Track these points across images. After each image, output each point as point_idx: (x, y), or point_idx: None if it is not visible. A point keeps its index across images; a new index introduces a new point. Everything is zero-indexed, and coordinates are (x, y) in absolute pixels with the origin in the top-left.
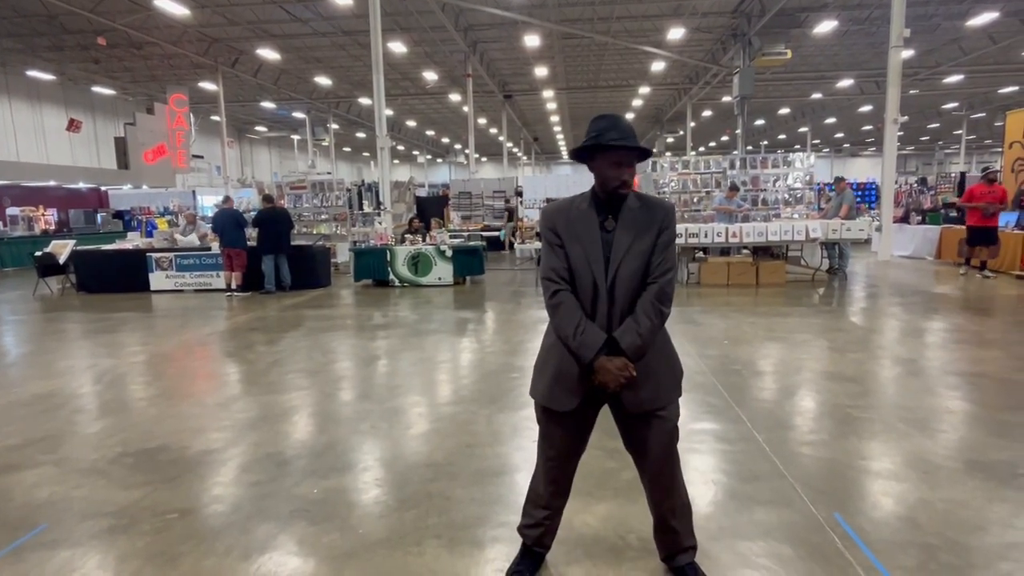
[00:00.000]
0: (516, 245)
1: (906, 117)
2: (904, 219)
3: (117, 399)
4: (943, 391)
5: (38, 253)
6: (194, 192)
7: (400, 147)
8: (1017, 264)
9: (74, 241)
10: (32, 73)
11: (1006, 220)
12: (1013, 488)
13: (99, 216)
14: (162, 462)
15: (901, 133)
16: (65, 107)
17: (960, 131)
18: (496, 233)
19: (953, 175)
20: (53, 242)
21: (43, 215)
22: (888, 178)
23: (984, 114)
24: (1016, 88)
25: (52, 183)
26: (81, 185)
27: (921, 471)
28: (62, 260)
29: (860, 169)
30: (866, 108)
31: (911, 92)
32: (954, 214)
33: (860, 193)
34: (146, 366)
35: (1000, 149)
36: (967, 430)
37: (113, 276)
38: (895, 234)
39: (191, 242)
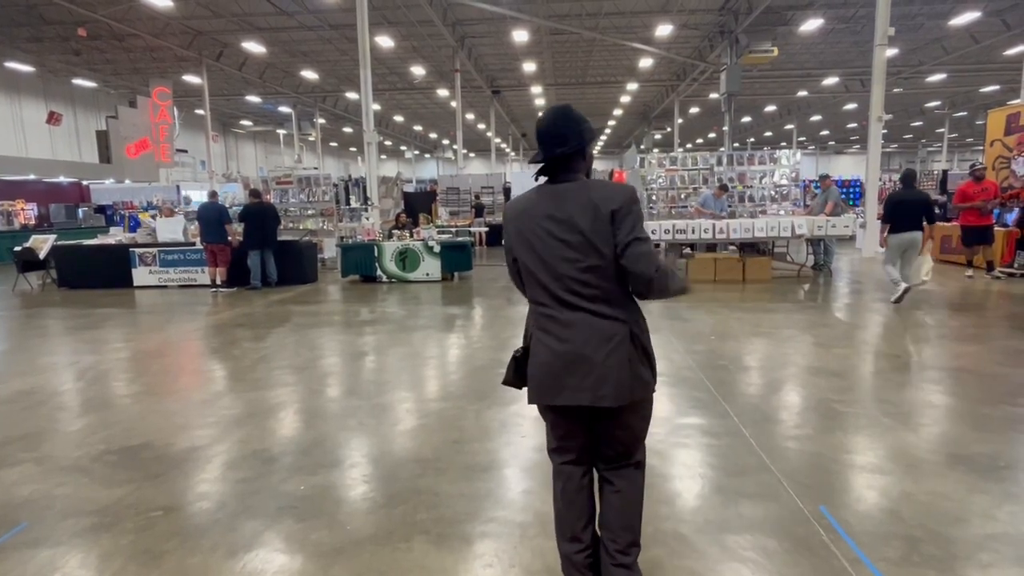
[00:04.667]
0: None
1: (890, 115)
2: None
3: (100, 396)
4: (926, 385)
5: (17, 248)
6: (178, 187)
7: (387, 142)
8: (999, 261)
9: (54, 236)
10: (10, 65)
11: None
12: (994, 480)
13: (80, 211)
14: (146, 459)
15: (885, 131)
16: (45, 100)
17: (943, 129)
18: (482, 229)
19: (936, 172)
20: (33, 237)
21: (22, 209)
22: (872, 175)
23: (966, 112)
24: (997, 87)
25: (32, 177)
26: (62, 179)
27: (904, 464)
28: (42, 255)
29: (845, 166)
30: (851, 106)
31: (895, 90)
32: (937, 211)
33: (845, 190)
34: (129, 362)
35: (981, 147)
36: (949, 424)
37: (95, 272)
38: (879, 231)
39: (174, 229)
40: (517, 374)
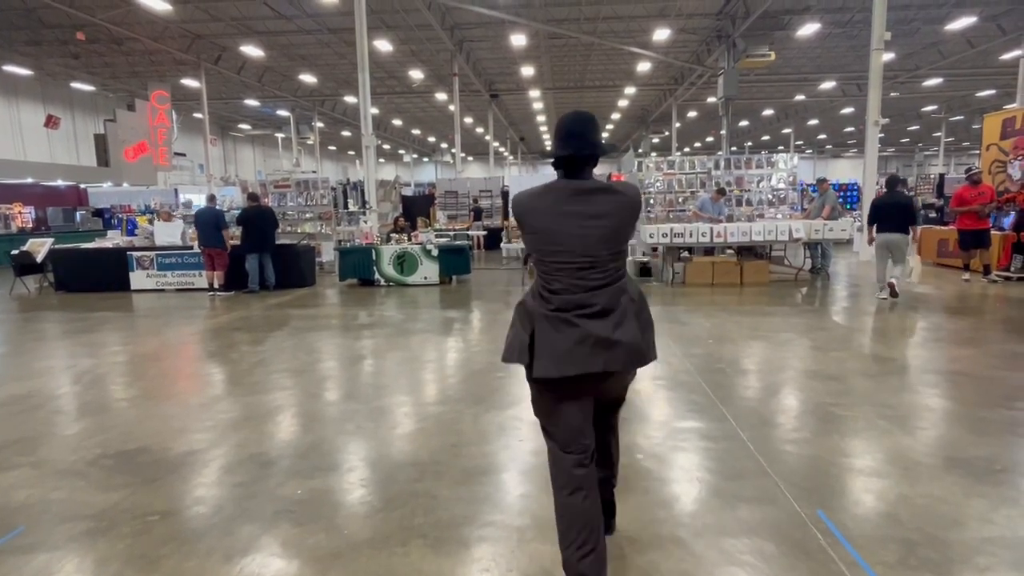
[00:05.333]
0: (503, 244)
1: (887, 119)
2: None
3: (96, 400)
4: (923, 389)
5: (15, 252)
6: (176, 190)
7: (386, 146)
8: (995, 264)
9: (52, 239)
10: (9, 68)
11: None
12: (990, 484)
13: (78, 214)
14: (143, 464)
15: (882, 135)
16: (43, 103)
17: (939, 133)
18: (480, 232)
19: (932, 176)
20: (30, 240)
21: (20, 213)
22: (869, 179)
23: (962, 117)
24: (993, 91)
25: (29, 180)
26: (59, 182)
27: (902, 468)
28: (39, 259)
29: (842, 170)
30: (848, 110)
31: (892, 95)
32: (933, 214)
33: (842, 194)
34: (126, 366)
35: (978, 151)
36: (946, 427)
37: (92, 275)
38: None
39: (172, 233)
40: (528, 350)
